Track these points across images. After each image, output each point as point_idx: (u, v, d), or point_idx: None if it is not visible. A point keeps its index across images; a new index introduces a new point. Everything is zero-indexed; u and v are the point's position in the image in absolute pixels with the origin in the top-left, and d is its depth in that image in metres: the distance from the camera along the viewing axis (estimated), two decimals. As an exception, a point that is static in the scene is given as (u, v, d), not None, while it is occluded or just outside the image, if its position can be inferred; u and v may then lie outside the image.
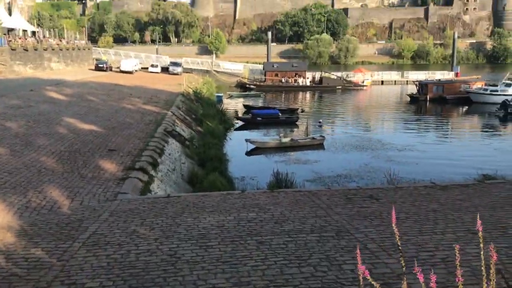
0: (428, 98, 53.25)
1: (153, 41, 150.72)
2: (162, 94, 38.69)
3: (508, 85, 50.74)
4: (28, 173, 12.92)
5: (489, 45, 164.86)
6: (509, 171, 21.23)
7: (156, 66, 69.93)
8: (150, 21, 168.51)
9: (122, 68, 61.65)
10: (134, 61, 66.83)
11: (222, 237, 7.76)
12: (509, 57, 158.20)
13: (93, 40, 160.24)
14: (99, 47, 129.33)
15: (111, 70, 63.38)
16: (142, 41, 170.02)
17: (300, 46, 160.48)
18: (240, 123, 37.36)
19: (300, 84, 68.97)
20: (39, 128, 19.33)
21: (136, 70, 64.69)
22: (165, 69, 70.29)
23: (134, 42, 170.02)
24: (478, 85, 55.39)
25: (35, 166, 13.70)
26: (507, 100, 44.16)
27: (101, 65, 61.74)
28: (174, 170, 17.02)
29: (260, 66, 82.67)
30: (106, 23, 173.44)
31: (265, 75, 72.25)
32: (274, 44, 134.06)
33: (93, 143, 17.45)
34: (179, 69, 68.33)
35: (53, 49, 56.52)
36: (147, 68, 70.06)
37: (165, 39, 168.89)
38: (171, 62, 73.42)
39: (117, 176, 13.37)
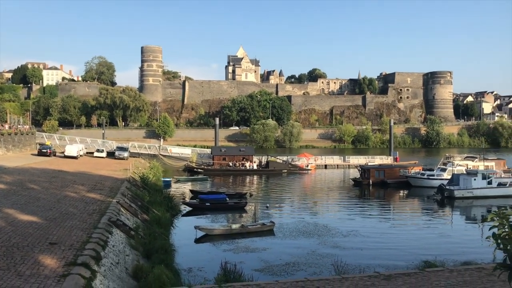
0: (370, 182, 55.49)
1: (99, 125, 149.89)
2: (107, 180, 37.99)
3: (443, 169, 53.97)
4: (-41, 272, 12.11)
5: (423, 131, 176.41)
6: (447, 255, 22.20)
7: (102, 151, 69.01)
8: (97, 105, 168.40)
9: (67, 153, 60.46)
10: (79, 146, 65.69)
11: None
12: (441, 141, 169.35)
13: (38, 123, 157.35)
14: (43, 131, 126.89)
15: (55, 155, 61.84)
16: (89, 125, 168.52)
17: (247, 130, 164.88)
18: (187, 208, 36.96)
19: (248, 168, 70.14)
20: (-27, 221, 18.35)
21: (81, 155, 63.51)
22: (111, 154, 69.46)
23: (80, 126, 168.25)
24: (416, 170, 58.56)
25: (-33, 264, 12.89)
26: (443, 184, 46.82)
27: (45, 150, 60.17)
28: (118, 264, 16.44)
29: (208, 150, 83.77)
30: (51, 107, 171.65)
31: (213, 159, 73.12)
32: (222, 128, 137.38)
33: (33, 236, 16.70)
34: (125, 154, 67.68)
35: (-7, 134, 54.93)
36: (92, 152, 69.02)
37: (112, 123, 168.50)
38: (117, 147, 72.57)
39: (57, 272, 12.80)
